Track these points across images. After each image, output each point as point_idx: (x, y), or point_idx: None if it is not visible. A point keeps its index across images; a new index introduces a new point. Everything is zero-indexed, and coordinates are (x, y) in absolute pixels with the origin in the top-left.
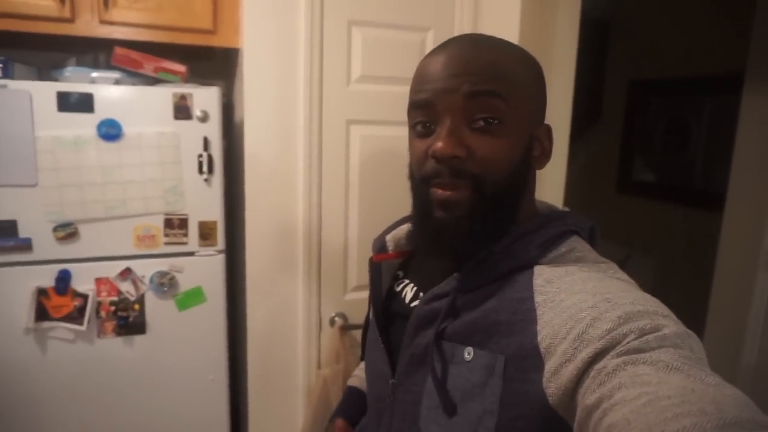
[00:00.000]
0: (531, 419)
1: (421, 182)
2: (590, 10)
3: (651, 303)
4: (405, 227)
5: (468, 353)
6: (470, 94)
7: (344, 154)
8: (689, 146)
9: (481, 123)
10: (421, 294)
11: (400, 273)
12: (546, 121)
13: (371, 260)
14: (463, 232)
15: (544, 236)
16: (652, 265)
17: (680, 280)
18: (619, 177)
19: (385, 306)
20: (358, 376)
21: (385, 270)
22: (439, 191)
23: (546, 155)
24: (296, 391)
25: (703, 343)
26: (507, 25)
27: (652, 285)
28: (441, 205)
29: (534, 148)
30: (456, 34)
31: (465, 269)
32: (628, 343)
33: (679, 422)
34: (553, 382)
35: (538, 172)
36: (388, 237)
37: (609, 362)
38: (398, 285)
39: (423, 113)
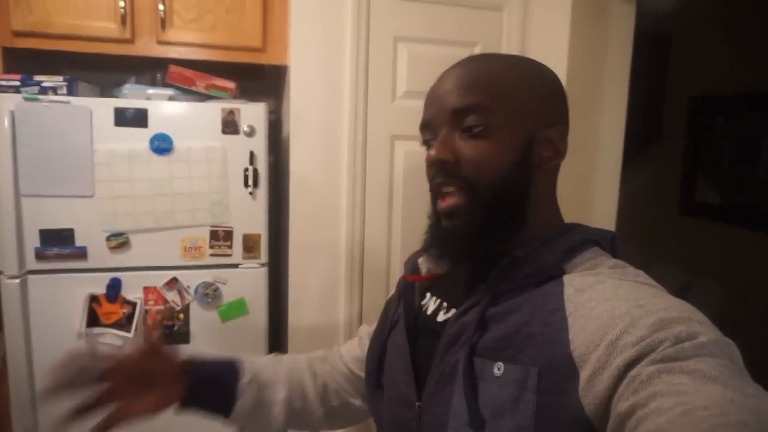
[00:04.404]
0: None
1: (432, 193)
2: (649, 23)
3: (686, 309)
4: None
5: (498, 368)
6: (455, 109)
7: (388, 170)
8: (759, 166)
9: (469, 131)
10: (445, 304)
11: (427, 294)
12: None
13: (404, 279)
14: (465, 237)
15: (568, 242)
16: (718, 293)
17: (748, 309)
18: (682, 198)
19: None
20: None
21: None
22: (443, 202)
23: (558, 155)
24: None
25: None
26: (556, 40)
27: (717, 313)
28: (444, 215)
29: (541, 150)
30: (503, 49)
31: (490, 278)
32: (663, 350)
33: None
34: (589, 391)
35: (564, 177)
36: (421, 260)
37: (643, 370)
38: (422, 301)
39: (428, 132)
